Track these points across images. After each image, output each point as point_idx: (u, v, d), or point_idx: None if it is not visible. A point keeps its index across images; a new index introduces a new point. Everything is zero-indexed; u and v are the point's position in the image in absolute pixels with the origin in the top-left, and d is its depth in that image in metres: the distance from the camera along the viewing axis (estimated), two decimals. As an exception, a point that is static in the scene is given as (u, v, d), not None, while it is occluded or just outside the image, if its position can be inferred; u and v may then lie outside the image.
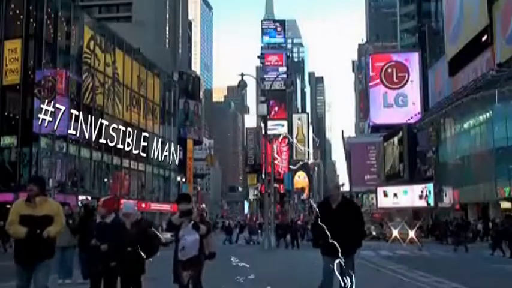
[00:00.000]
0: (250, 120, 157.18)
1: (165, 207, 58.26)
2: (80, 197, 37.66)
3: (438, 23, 63.04)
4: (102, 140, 46.72)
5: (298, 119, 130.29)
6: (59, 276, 10.56)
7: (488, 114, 36.75)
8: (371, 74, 70.52)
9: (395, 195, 49.08)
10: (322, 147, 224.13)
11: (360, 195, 71.93)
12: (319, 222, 6.94)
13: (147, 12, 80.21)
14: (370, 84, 70.70)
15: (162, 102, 63.28)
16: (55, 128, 39.42)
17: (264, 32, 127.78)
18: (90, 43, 45.85)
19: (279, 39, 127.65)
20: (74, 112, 42.61)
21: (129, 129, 52.15)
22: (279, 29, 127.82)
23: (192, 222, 6.55)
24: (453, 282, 11.04)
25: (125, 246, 6.58)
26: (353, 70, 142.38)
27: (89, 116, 44.83)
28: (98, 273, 6.80)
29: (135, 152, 54.08)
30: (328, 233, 6.72)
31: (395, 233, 32.22)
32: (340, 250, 6.59)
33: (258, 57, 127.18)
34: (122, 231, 6.71)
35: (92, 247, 6.85)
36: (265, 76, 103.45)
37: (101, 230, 6.87)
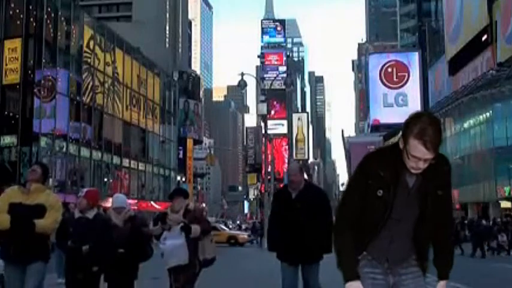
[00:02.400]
0: (250, 120, 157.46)
1: (165, 206, 58.30)
2: (80, 197, 37.65)
3: (438, 22, 63.01)
4: (102, 140, 46.73)
5: (298, 119, 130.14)
6: (59, 275, 10.45)
7: (488, 114, 36.76)
8: (371, 73, 70.50)
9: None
10: (322, 146, 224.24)
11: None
12: (275, 217, 5.59)
13: (147, 11, 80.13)
14: (370, 83, 70.68)
15: (162, 102, 63.24)
16: (55, 127, 39.44)
17: (263, 32, 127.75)
18: (90, 42, 45.83)
19: (278, 39, 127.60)
20: (74, 111, 42.62)
21: (129, 128, 52.15)
22: (278, 28, 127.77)
23: (182, 224, 5.43)
24: (453, 282, 11.04)
25: (115, 246, 5.47)
26: (353, 69, 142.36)
27: (89, 115, 44.84)
28: (77, 282, 5.47)
29: (135, 151, 54.06)
30: (287, 231, 5.32)
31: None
32: (303, 255, 5.27)
33: (258, 56, 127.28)
34: (109, 229, 5.51)
35: (69, 249, 5.48)
36: (265, 75, 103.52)
37: (81, 227, 5.44)
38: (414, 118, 2.46)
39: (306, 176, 6.28)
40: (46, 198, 5.00)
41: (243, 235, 33.66)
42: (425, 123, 2.40)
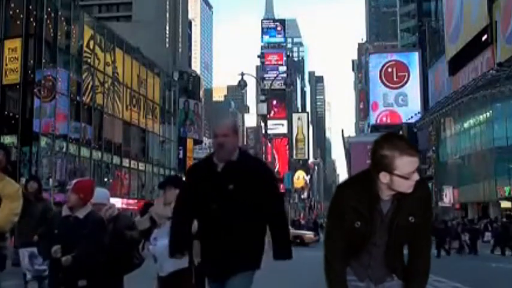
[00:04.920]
0: (250, 120, 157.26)
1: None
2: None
3: (438, 22, 63.00)
4: (102, 140, 46.77)
5: (298, 119, 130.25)
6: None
7: (488, 114, 36.82)
8: (371, 73, 70.55)
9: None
10: (322, 146, 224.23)
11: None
12: (186, 205, 3.54)
13: (147, 11, 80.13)
14: (370, 83, 70.73)
15: (162, 102, 63.26)
16: (55, 127, 39.48)
17: (264, 32, 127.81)
18: (90, 42, 45.86)
19: (279, 39, 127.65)
20: (74, 111, 42.68)
21: (129, 128, 52.17)
22: (279, 28, 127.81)
23: None
24: (452, 281, 11.05)
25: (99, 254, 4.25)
26: (353, 69, 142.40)
27: (89, 115, 44.88)
28: None
29: (135, 151, 54.07)
30: (207, 228, 3.41)
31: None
32: (230, 263, 3.33)
33: (258, 56, 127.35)
34: (102, 233, 4.25)
35: (51, 256, 4.18)
36: (265, 75, 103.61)
37: (67, 228, 4.14)
38: (386, 146, 2.41)
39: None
40: (2, 187, 4.00)
41: (309, 234, 32.34)
42: (396, 140, 2.41)
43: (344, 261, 2.57)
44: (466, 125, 40.74)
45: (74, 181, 4.43)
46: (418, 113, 58.58)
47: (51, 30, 40.48)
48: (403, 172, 2.36)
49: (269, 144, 35.42)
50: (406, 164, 2.36)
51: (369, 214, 2.47)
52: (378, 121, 67.92)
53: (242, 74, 28.04)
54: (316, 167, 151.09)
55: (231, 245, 3.31)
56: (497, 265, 16.66)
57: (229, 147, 3.40)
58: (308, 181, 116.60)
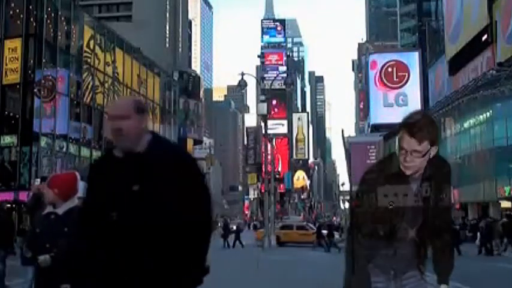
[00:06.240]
0: (250, 120, 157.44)
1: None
2: (80, 196, 37.61)
3: (438, 22, 63.04)
4: (102, 140, 46.76)
5: (298, 119, 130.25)
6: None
7: (488, 114, 36.79)
8: (371, 73, 70.54)
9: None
10: (322, 146, 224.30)
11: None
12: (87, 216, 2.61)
13: (147, 11, 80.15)
14: (370, 83, 70.71)
15: (162, 102, 63.30)
16: (55, 127, 39.48)
17: (264, 31, 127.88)
18: (90, 42, 45.86)
19: (279, 39, 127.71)
20: (74, 111, 42.68)
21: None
22: (279, 28, 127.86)
23: None
24: (452, 281, 11.04)
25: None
26: (353, 69, 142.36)
27: (89, 115, 44.89)
28: None
29: (135, 151, 54.23)
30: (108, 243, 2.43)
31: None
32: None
33: (258, 56, 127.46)
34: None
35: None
36: (265, 75, 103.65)
37: (50, 227, 3.75)
38: (407, 115, 2.53)
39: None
40: None
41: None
42: (415, 117, 2.49)
43: (364, 270, 2.54)
44: (466, 125, 40.73)
45: (51, 175, 3.96)
46: (418, 113, 58.40)
47: (51, 30, 40.47)
48: (400, 144, 2.52)
49: (269, 145, 35.40)
50: (401, 138, 2.50)
51: (401, 191, 2.48)
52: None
53: (242, 74, 28.09)
54: (316, 167, 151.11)
55: (141, 264, 2.36)
56: (496, 265, 16.66)
57: (130, 134, 2.46)
58: (308, 181, 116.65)
